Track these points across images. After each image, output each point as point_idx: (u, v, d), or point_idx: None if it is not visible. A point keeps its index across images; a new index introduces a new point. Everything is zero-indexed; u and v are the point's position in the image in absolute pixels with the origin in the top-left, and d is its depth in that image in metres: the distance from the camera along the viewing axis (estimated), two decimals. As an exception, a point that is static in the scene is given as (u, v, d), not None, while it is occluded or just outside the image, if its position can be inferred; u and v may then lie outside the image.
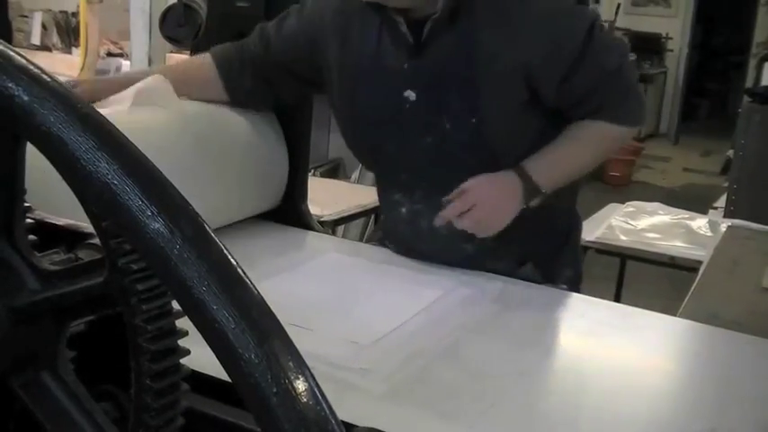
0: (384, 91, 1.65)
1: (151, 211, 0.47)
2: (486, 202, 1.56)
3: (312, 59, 1.73)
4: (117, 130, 0.50)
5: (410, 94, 1.62)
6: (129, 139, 0.50)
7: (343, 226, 4.09)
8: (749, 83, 7.00)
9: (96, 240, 0.64)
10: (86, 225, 0.68)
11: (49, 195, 0.78)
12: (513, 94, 1.58)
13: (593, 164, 1.73)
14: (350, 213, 3.48)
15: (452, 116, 1.60)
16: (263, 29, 1.78)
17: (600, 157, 1.74)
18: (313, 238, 1.91)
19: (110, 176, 0.47)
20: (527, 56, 1.55)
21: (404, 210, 1.72)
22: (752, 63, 8.09)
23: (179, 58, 5.38)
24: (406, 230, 1.74)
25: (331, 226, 3.25)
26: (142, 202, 0.47)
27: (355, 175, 5.22)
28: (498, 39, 1.55)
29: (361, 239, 4.72)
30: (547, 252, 1.76)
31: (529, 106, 1.60)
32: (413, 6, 1.57)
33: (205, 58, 1.79)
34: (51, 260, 0.66)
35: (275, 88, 1.81)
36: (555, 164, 1.64)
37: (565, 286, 1.75)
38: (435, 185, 1.64)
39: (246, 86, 1.79)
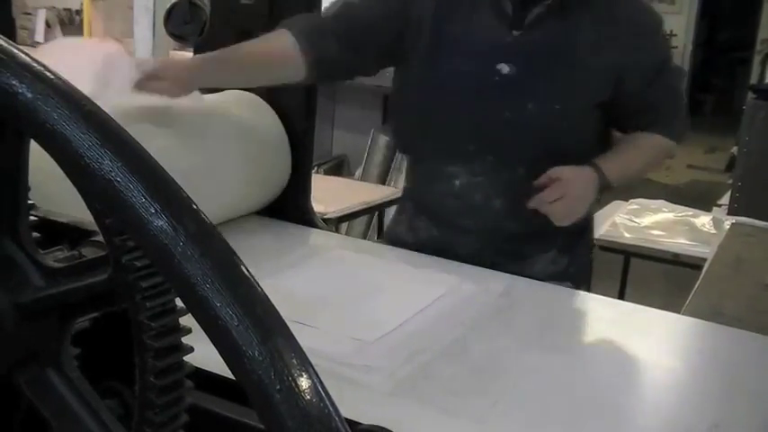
0: (477, 60, 1.70)
1: (155, 209, 0.47)
2: (574, 193, 1.63)
3: (399, 19, 1.75)
4: (120, 127, 0.50)
5: (503, 67, 1.68)
6: (132, 135, 0.50)
7: (346, 223, 4.09)
8: (754, 79, 6.98)
9: (100, 237, 0.64)
10: (90, 222, 0.68)
11: (52, 192, 0.78)
12: (599, 90, 1.69)
13: (646, 171, 1.94)
14: (353, 210, 3.48)
15: (538, 98, 1.67)
16: (349, 4, 1.79)
17: (652, 167, 1.91)
18: (316, 236, 1.91)
19: (113, 173, 0.47)
20: (624, 57, 1.68)
21: (458, 182, 1.75)
22: (756, 59, 8.07)
23: (183, 55, 5.39)
24: (454, 204, 1.77)
25: (335, 223, 3.26)
26: (146, 199, 0.47)
27: (359, 172, 5.22)
28: (603, 35, 1.67)
29: (364, 237, 4.72)
30: (567, 243, 1.81)
31: (602, 109, 1.72)
32: None
33: (280, 34, 1.74)
34: (55, 257, 0.66)
35: (359, 56, 1.79)
36: (623, 165, 1.75)
37: (569, 283, 1.78)
38: (499, 161, 1.72)
39: (332, 56, 1.75)
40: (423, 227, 1.85)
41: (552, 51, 1.69)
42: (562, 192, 1.61)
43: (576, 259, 1.85)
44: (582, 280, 1.89)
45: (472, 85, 1.71)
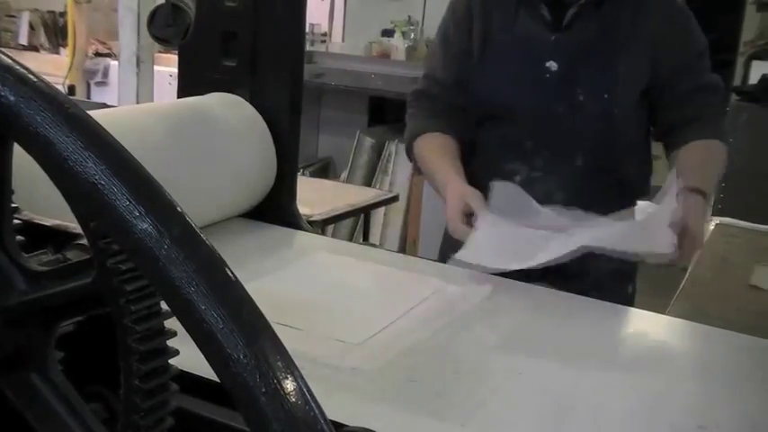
0: (526, 61, 1.82)
1: (139, 212, 0.47)
2: (699, 237, 1.65)
3: (471, 46, 1.88)
4: (104, 130, 0.50)
5: (552, 65, 1.79)
6: (116, 139, 0.50)
7: (332, 225, 4.09)
8: (737, 81, 7.02)
9: (84, 241, 0.64)
10: (74, 225, 0.67)
11: (36, 196, 0.78)
12: (641, 75, 1.79)
13: (716, 182, 1.96)
14: (339, 213, 3.48)
15: (587, 89, 1.79)
16: (430, 77, 1.96)
17: (719, 177, 1.93)
18: (302, 238, 1.91)
19: (97, 177, 0.47)
20: (657, 41, 1.79)
21: (518, 178, 1.82)
22: (740, 61, 8.11)
23: (167, 58, 5.37)
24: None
25: (320, 225, 3.25)
26: (130, 202, 0.47)
27: (344, 174, 5.22)
28: (637, 24, 1.78)
29: (350, 239, 4.72)
30: None
31: (647, 96, 1.82)
32: None
33: (434, 134, 1.91)
34: (39, 261, 0.66)
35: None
36: (712, 178, 1.82)
37: (619, 280, 1.90)
38: (557, 154, 1.82)
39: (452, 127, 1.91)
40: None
41: (592, 45, 1.80)
42: (695, 247, 1.65)
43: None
44: (628, 279, 1.97)
45: (524, 84, 1.82)
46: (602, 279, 1.82)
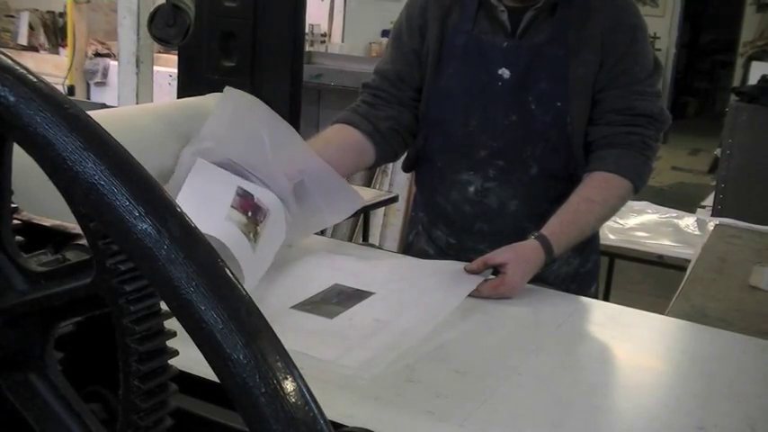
0: (480, 67, 1.77)
1: (138, 212, 0.47)
2: (516, 284, 1.57)
3: (422, 49, 1.84)
4: (104, 130, 0.50)
5: (504, 72, 1.76)
6: (116, 139, 0.50)
7: (331, 226, 4.08)
8: (736, 81, 7.02)
9: (84, 241, 0.64)
10: (74, 226, 0.67)
11: (36, 196, 0.78)
12: (590, 81, 1.74)
13: (597, 228, 1.86)
14: (338, 213, 3.47)
15: (539, 97, 1.75)
16: (377, 71, 1.90)
17: (605, 221, 1.82)
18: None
19: (97, 177, 0.47)
20: (603, 41, 1.73)
21: (472, 188, 1.81)
22: (739, 62, 8.12)
23: (167, 58, 5.37)
24: (470, 210, 1.83)
25: (320, 226, 3.24)
26: (129, 202, 0.47)
27: (344, 174, 5.21)
28: (589, 32, 1.74)
29: (350, 239, 4.72)
30: (579, 245, 1.82)
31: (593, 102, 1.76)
32: None
33: (341, 127, 1.84)
34: (39, 261, 0.66)
35: (406, 114, 1.88)
36: (571, 233, 1.69)
37: (578, 284, 1.88)
38: (511, 163, 1.78)
39: (386, 125, 1.85)
40: (440, 236, 1.91)
41: (546, 53, 1.75)
42: (503, 290, 1.57)
43: (585, 260, 1.91)
44: (591, 279, 1.97)
45: (477, 91, 1.78)
46: (561, 282, 1.83)
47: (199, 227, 0.49)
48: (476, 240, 1.82)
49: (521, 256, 1.59)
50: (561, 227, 1.67)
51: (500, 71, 1.75)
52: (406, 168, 2.00)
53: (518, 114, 1.76)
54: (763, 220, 2.78)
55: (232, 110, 1.64)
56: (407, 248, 2.04)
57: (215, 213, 1.42)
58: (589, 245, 1.88)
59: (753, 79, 4.19)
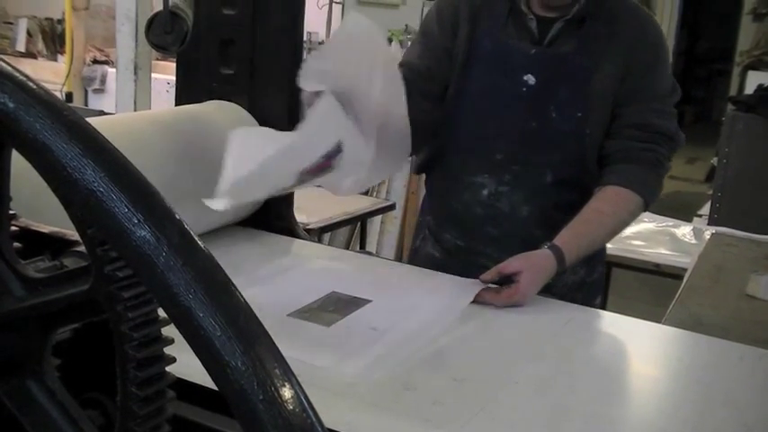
0: (505, 72, 1.79)
1: (137, 219, 0.47)
2: (529, 292, 1.58)
3: (453, 48, 1.83)
4: (103, 137, 0.50)
5: (530, 78, 1.77)
6: (115, 146, 0.50)
7: (329, 233, 4.09)
8: (733, 90, 7.03)
9: (82, 248, 0.64)
10: (72, 232, 0.67)
11: (34, 202, 0.78)
12: (611, 95, 1.76)
13: (608, 241, 1.87)
14: (336, 221, 3.48)
15: (560, 106, 1.77)
16: (405, 64, 1.82)
17: (616, 234, 1.84)
18: (299, 246, 1.91)
19: (96, 184, 0.47)
20: (627, 56, 1.76)
21: (486, 192, 1.82)
22: (736, 71, 8.13)
23: (165, 65, 5.38)
24: (481, 213, 1.83)
25: (317, 233, 3.25)
26: (128, 209, 0.47)
27: (341, 182, 5.21)
28: (612, 40, 1.77)
29: (347, 247, 4.72)
30: None
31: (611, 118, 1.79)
32: (561, 4, 1.77)
33: None
34: (36, 267, 0.66)
35: (435, 111, 1.85)
36: (582, 244, 1.71)
37: (584, 293, 1.88)
38: (526, 169, 1.79)
39: (420, 118, 1.74)
40: (448, 238, 1.91)
41: (571, 63, 1.78)
42: (517, 299, 1.57)
43: (592, 270, 1.92)
44: (597, 290, 1.98)
45: (502, 96, 1.80)
46: (567, 291, 1.82)
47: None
48: (484, 244, 1.83)
49: (534, 264, 1.60)
50: (573, 237, 1.68)
51: (525, 77, 1.77)
52: (417, 170, 1.99)
53: (538, 121, 1.78)
54: (759, 228, 2.78)
55: (352, 36, 1.56)
56: (414, 254, 2.03)
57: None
58: (596, 256, 1.89)
59: (749, 88, 4.20)
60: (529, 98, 1.77)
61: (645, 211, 1.82)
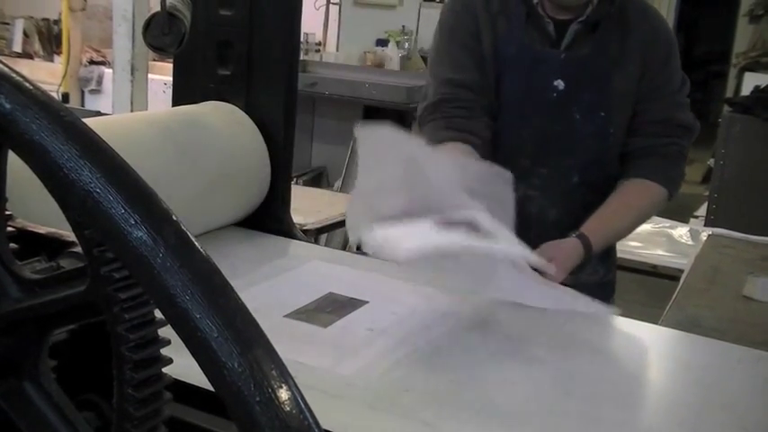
0: (534, 77, 1.80)
1: (134, 220, 0.47)
2: (558, 280, 1.62)
3: (484, 56, 1.83)
4: (100, 138, 0.50)
5: (560, 83, 1.80)
6: (112, 147, 0.50)
7: (326, 234, 4.08)
8: (729, 92, 7.04)
9: (78, 249, 0.64)
10: (68, 233, 0.67)
11: (30, 203, 0.77)
12: (632, 93, 1.81)
13: (633, 230, 1.97)
14: (333, 222, 3.47)
15: (584, 108, 1.80)
16: (449, 82, 1.82)
17: (641, 224, 1.95)
18: (296, 247, 1.91)
19: (93, 185, 0.47)
20: (644, 55, 1.81)
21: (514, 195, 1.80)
22: (732, 73, 8.14)
23: (162, 66, 5.37)
24: None
25: (314, 234, 3.25)
26: (125, 210, 0.47)
27: (338, 183, 5.22)
28: (627, 40, 1.80)
29: (343, 248, 4.71)
30: (604, 254, 1.91)
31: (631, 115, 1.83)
32: (574, 5, 1.79)
33: (454, 146, 1.77)
34: (33, 268, 0.66)
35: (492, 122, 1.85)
36: (610, 233, 1.82)
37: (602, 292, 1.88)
38: (553, 172, 1.83)
39: (486, 135, 1.81)
40: None
41: (591, 65, 1.81)
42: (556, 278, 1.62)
43: (608, 270, 1.98)
44: (611, 291, 2.02)
45: (533, 102, 1.81)
46: (588, 292, 1.82)
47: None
48: None
49: (563, 252, 1.67)
50: (600, 227, 1.75)
51: (555, 82, 1.80)
52: None
53: (562, 124, 1.81)
54: (756, 230, 2.78)
55: (377, 150, 1.44)
56: None
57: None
58: (611, 256, 1.96)
59: (746, 90, 4.20)
60: (557, 102, 1.80)
61: (668, 201, 1.89)
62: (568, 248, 1.69)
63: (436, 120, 1.84)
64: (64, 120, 0.49)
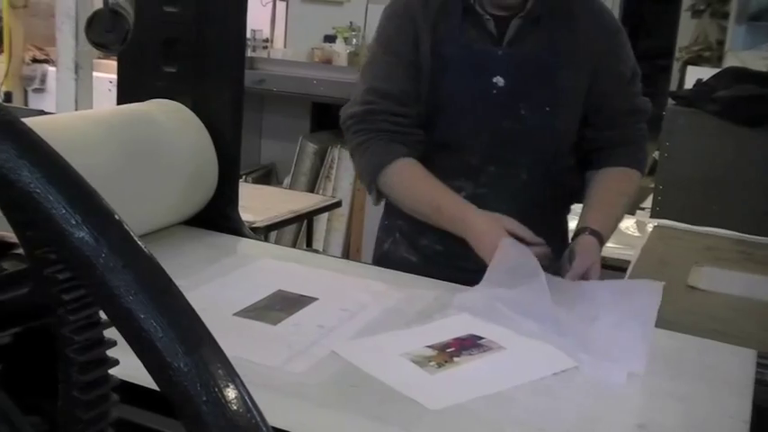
0: (474, 76, 1.80)
1: (76, 220, 0.46)
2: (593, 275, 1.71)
3: (418, 61, 1.82)
4: (39, 138, 0.49)
5: (499, 80, 1.79)
6: (52, 146, 0.49)
7: (275, 232, 4.07)
8: (673, 86, 7.14)
9: (21, 250, 0.63)
10: (10, 235, 0.66)
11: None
12: (579, 90, 1.82)
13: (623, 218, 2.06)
14: (282, 219, 3.47)
15: (529, 103, 1.80)
16: (377, 91, 1.82)
17: (627, 211, 2.01)
18: (245, 245, 1.90)
19: (32, 185, 0.46)
20: (595, 50, 1.82)
21: (464, 194, 1.81)
22: (676, 66, 8.26)
23: (107, 64, 5.30)
24: None
25: (263, 232, 3.24)
26: (66, 210, 0.46)
27: (287, 180, 5.20)
28: (575, 36, 1.81)
29: (294, 245, 4.70)
30: (559, 246, 1.87)
31: (583, 110, 1.86)
32: (511, 2, 1.79)
33: (406, 162, 1.79)
34: (-26, 271, 0.65)
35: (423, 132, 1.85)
36: (613, 222, 1.86)
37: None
38: (502, 169, 1.82)
39: (421, 149, 1.83)
40: (426, 244, 1.88)
41: (535, 60, 1.80)
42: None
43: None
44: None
45: (473, 98, 1.80)
46: None
47: None
48: (466, 246, 1.77)
49: (594, 254, 1.72)
50: (606, 219, 1.80)
51: (495, 79, 1.78)
52: None
53: (509, 121, 1.80)
54: (701, 221, 2.83)
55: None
56: (383, 257, 1.98)
57: None
58: (562, 245, 1.93)
59: (689, 83, 4.26)
60: (499, 99, 1.79)
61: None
62: (594, 249, 1.73)
63: (367, 131, 1.82)
64: (2, 119, 0.48)
